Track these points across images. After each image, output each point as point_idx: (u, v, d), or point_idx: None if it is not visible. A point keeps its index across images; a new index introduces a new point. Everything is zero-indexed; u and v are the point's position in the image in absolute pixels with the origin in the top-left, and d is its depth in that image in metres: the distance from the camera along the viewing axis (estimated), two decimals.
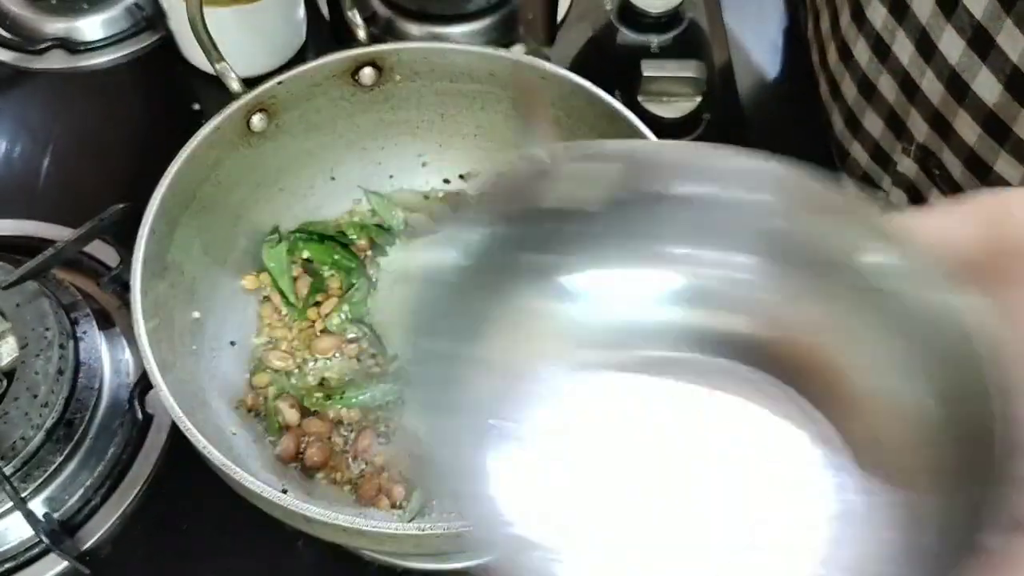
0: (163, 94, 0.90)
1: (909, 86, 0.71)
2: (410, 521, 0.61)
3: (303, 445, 0.64)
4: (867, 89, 0.75)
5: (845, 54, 0.76)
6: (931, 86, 0.68)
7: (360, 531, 0.49)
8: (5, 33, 0.92)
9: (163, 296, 0.61)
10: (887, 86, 0.74)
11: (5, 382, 0.64)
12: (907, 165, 0.74)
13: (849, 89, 0.77)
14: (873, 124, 0.75)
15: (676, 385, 0.30)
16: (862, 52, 0.74)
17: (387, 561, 0.64)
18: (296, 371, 0.68)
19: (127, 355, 0.71)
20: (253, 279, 0.71)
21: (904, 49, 0.69)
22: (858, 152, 0.79)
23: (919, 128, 0.71)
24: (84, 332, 0.69)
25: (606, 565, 0.26)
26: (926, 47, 0.66)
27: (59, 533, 0.62)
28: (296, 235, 0.72)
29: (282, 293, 0.70)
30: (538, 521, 0.27)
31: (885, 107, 0.75)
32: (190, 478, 0.65)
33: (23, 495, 0.62)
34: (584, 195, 0.29)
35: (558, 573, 0.26)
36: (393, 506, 0.62)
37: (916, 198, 0.75)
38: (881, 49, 0.72)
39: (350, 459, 0.64)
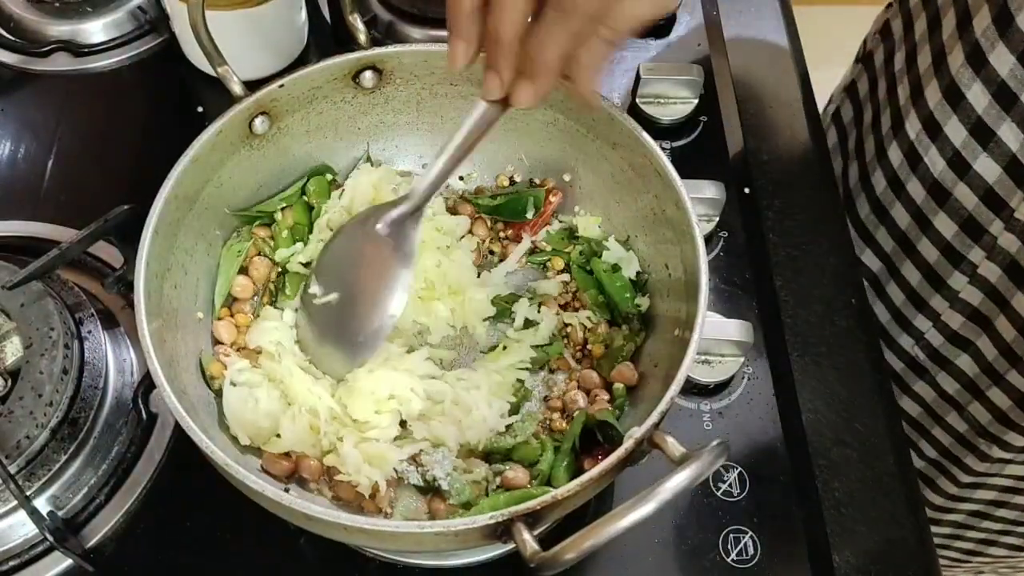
0: (166, 97, 0.91)
1: (1016, 169, 0.71)
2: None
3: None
4: (983, 134, 0.74)
5: (954, 95, 0.75)
6: None
7: (361, 529, 0.50)
8: (9, 36, 0.93)
9: (167, 297, 0.61)
10: (986, 166, 0.73)
11: (10, 381, 0.65)
12: (1008, 240, 0.74)
13: (956, 130, 0.75)
14: (988, 169, 0.74)
15: None
16: (979, 96, 0.72)
17: (388, 558, 0.65)
18: None
19: (131, 355, 0.72)
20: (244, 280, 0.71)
21: (1013, 136, 0.69)
22: (964, 194, 0.77)
23: None
24: (88, 332, 0.69)
25: None
26: None
27: (63, 531, 0.63)
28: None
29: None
30: None
31: (982, 184, 0.74)
32: (193, 477, 0.65)
33: (28, 493, 0.62)
34: None
35: None
36: (379, 510, 0.62)
37: (1014, 271, 0.75)
38: (983, 132, 0.72)
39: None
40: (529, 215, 0.73)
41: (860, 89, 0.95)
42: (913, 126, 0.81)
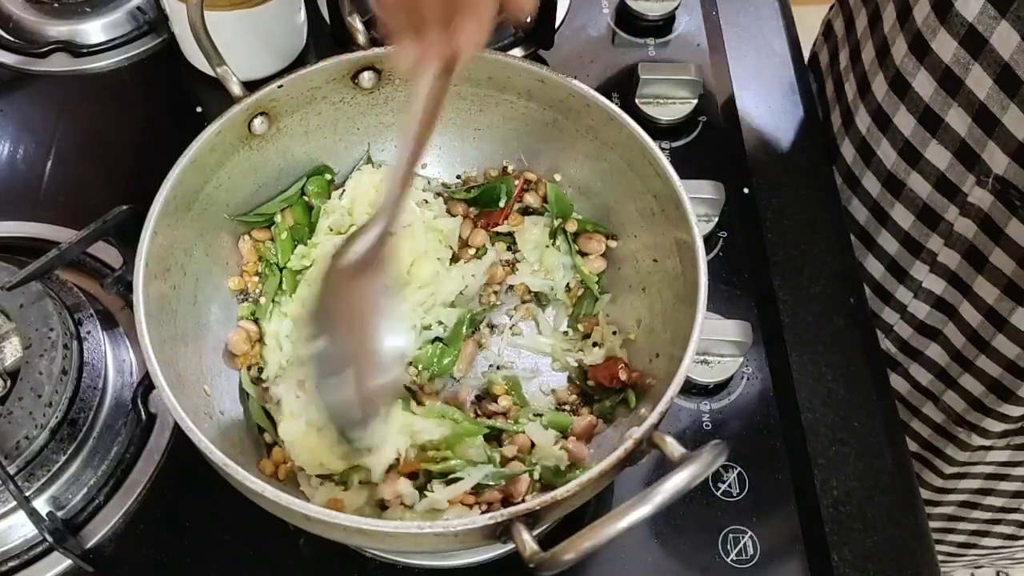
0: (165, 97, 0.91)
1: (965, 153, 0.70)
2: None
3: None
4: (931, 121, 0.73)
5: (900, 86, 0.74)
6: (1015, 121, 0.66)
7: (359, 530, 0.50)
8: (8, 36, 0.93)
9: (166, 297, 0.61)
10: (937, 153, 0.73)
11: (9, 382, 0.65)
12: (980, 195, 0.73)
13: (905, 120, 0.75)
14: (938, 156, 0.74)
15: None
16: (924, 84, 0.72)
17: (387, 559, 0.65)
18: None
19: (130, 355, 0.72)
20: (237, 280, 0.71)
21: (981, 84, 0.68)
22: (917, 183, 0.77)
23: (998, 161, 0.69)
24: (88, 332, 0.69)
25: None
26: (1009, 83, 0.65)
27: (63, 532, 0.63)
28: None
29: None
30: None
31: (934, 172, 0.74)
32: (193, 477, 0.66)
33: (27, 494, 0.62)
34: None
35: None
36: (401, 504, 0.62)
37: (988, 227, 0.74)
38: (931, 119, 0.71)
39: None
40: (502, 203, 0.73)
41: None
42: (863, 121, 0.81)
